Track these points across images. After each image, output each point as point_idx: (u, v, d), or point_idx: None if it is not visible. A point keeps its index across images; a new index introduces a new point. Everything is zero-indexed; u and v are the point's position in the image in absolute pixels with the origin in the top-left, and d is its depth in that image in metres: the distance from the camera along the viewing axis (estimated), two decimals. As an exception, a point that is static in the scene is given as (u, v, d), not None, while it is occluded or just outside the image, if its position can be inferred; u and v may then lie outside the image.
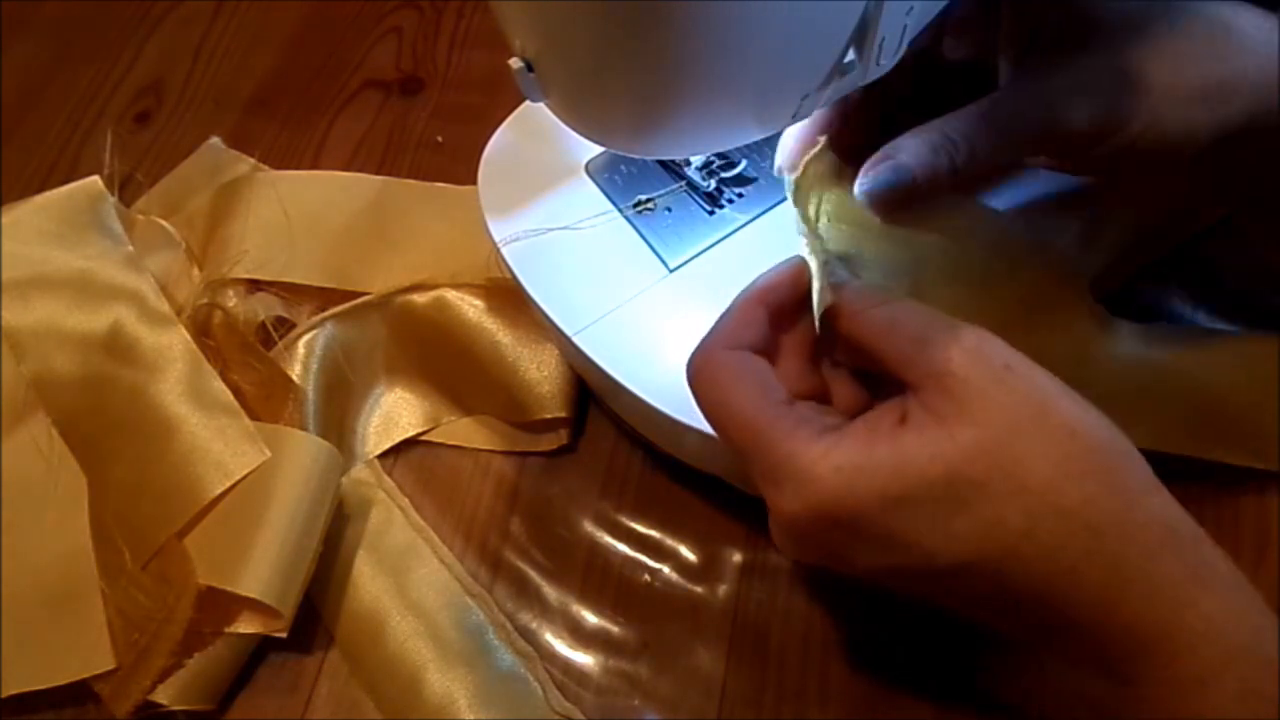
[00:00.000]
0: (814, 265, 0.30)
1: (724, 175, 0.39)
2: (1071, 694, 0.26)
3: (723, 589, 0.39)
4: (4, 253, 0.45)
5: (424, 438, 0.44)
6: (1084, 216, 0.37)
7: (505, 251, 0.38)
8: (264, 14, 0.61)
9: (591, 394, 0.44)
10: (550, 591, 0.40)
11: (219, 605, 0.37)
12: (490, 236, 0.38)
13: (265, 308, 0.45)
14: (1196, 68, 0.29)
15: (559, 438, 0.43)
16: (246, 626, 0.37)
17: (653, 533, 0.41)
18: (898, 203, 0.31)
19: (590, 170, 0.40)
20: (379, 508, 0.42)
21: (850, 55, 0.28)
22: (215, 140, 0.54)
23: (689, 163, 0.39)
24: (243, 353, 0.43)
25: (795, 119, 0.31)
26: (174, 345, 0.42)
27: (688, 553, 0.40)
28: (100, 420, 0.42)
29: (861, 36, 0.27)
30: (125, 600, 0.37)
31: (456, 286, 0.43)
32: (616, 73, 0.27)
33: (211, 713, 0.38)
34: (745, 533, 0.40)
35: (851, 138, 0.33)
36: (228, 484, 0.38)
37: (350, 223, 0.49)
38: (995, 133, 0.30)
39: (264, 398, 0.42)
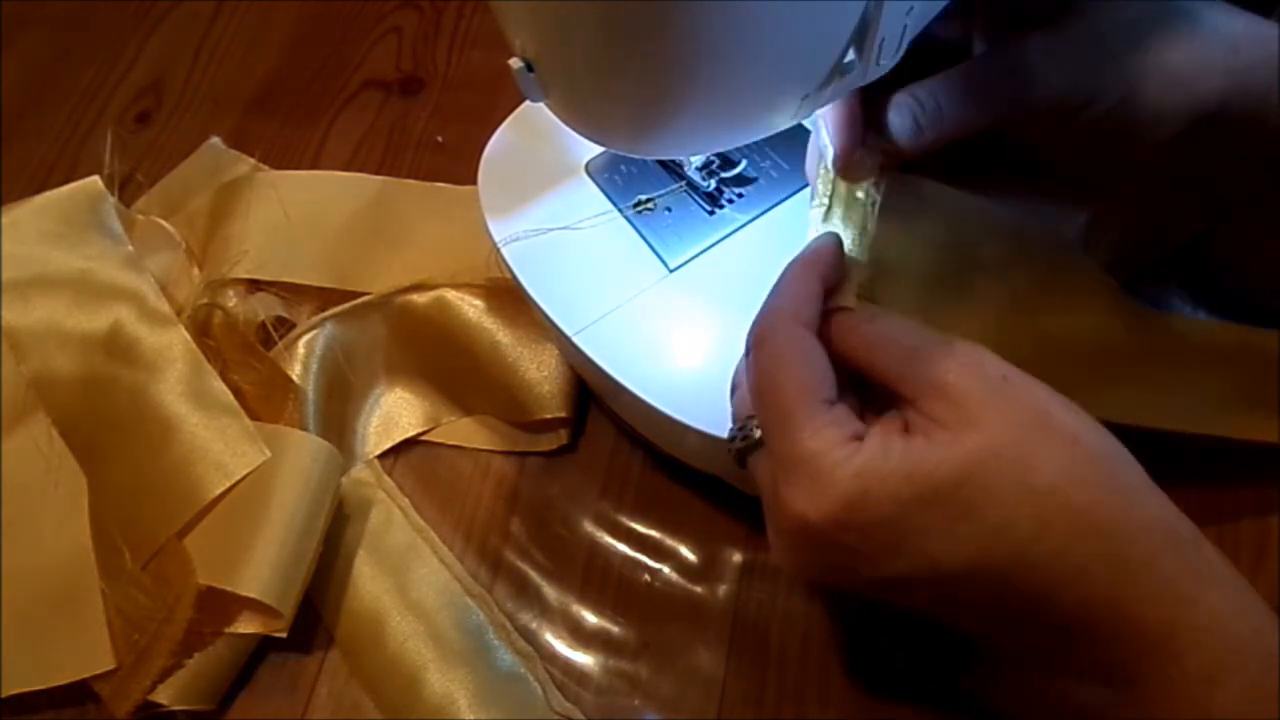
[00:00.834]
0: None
1: (724, 175, 0.39)
2: (1070, 708, 0.26)
3: (723, 589, 0.39)
4: (4, 253, 0.45)
5: (424, 438, 0.44)
6: (1087, 216, 0.37)
7: (505, 251, 0.38)
8: (264, 14, 0.61)
9: (591, 394, 0.44)
10: (550, 591, 0.40)
11: (219, 605, 0.37)
12: (490, 236, 0.38)
13: (265, 308, 0.45)
14: (1168, 48, 0.30)
15: (559, 438, 0.43)
16: (246, 626, 0.37)
17: (653, 533, 0.41)
18: (866, 167, 0.31)
19: (590, 170, 0.40)
20: (379, 508, 0.42)
21: (850, 55, 0.28)
22: (215, 140, 0.54)
23: (689, 163, 0.39)
24: (243, 353, 0.43)
25: (795, 119, 0.31)
26: (174, 345, 0.42)
27: (688, 553, 0.40)
28: (100, 420, 0.42)
29: (861, 36, 0.27)
30: (125, 600, 0.37)
31: (456, 286, 0.43)
32: (616, 73, 0.27)
33: (211, 713, 0.38)
34: (745, 533, 0.40)
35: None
36: (228, 484, 0.38)
37: (350, 223, 0.49)
38: (964, 95, 0.30)
39: (264, 398, 0.42)
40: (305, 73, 0.58)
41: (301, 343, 0.43)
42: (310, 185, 0.51)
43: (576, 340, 0.36)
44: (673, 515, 0.41)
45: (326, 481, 0.39)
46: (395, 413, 0.45)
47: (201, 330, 0.44)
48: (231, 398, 0.40)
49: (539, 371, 0.42)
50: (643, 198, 0.39)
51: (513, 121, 0.41)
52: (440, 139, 0.54)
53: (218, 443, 0.39)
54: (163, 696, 0.36)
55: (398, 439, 0.44)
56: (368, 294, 0.44)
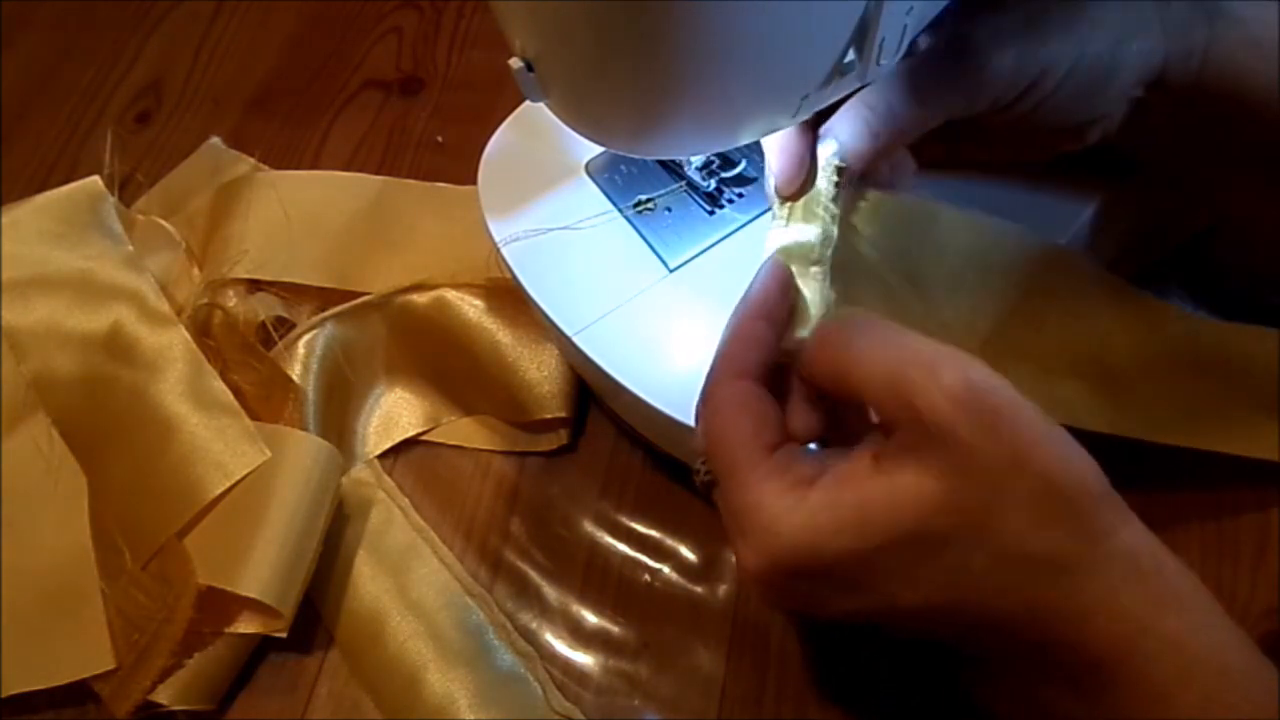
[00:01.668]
0: (810, 289, 0.30)
1: (724, 175, 0.39)
2: (1059, 714, 0.26)
3: (723, 589, 0.39)
4: (4, 253, 0.45)
5: (424, 438, 0.44)
6: (1086, 218, 0.37)
7: (505, 251, 0.38)
8: (264, 14, 0.61)
9: (591, 394, 0.44)
10: (550, 591, 0.40)
11: (219, 605, 0.37)
12: (490, 236, 0.38)
13: (265, 308, 0.45)
14: (1104, 10, 0.30)
15: (559, 438, 0.43)
16: (246, 626, 0.37)
17: (653, 533, 0.41)
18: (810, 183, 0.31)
19: (590, 170, 0.40)
20: (379, 508, 0.42)
21: (850, 55, 0.28)
22: (215, 140, 0.54)
23: (689, 163, 0.39)
24: (243, 353, 0.43)
25: (795, 119, 0.31)
26: (174, 345, 0.42)
27: (688, 553, 0.40)
28: (100, 420, 0.42)
29: (861, 36, 0.27)
30: (125, 600, 0.37)
31: (456, 286, 0.43)
32: (616, 73, 0.27)
33: (211, 713, 0.38)
34: (745, 533, 0.40)
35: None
36: (228, 484, 0.38)
37: (350, 223, 0.49)
38: (914, 90, 0.30)
39: (264, 398, 0.42)
40: (305, 73, 0.58)
41: (301, 343, 0.43)
42: (310, 185, 0.51)
43: (576, 340, 0.36)
44: (673, 515, 0.41)
45: (326, 481, 0.39)
46: (395, 413, 0.45)
47: (201, 330, 0.44)
48: (231, 398, 0.40)
49: (539, 371, 0.42)
50: (643, 198, 0.39)
51: (513, 121, 0.41)
52: (440, 139, 0.54)
53: (218, 443, 0.39)
54: (163, 696, 0.36)
55: (398, 439, 0.44)
56: (368, 294, 0.44)
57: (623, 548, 0.41)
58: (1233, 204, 0.38)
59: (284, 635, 0.37)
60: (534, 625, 0.39)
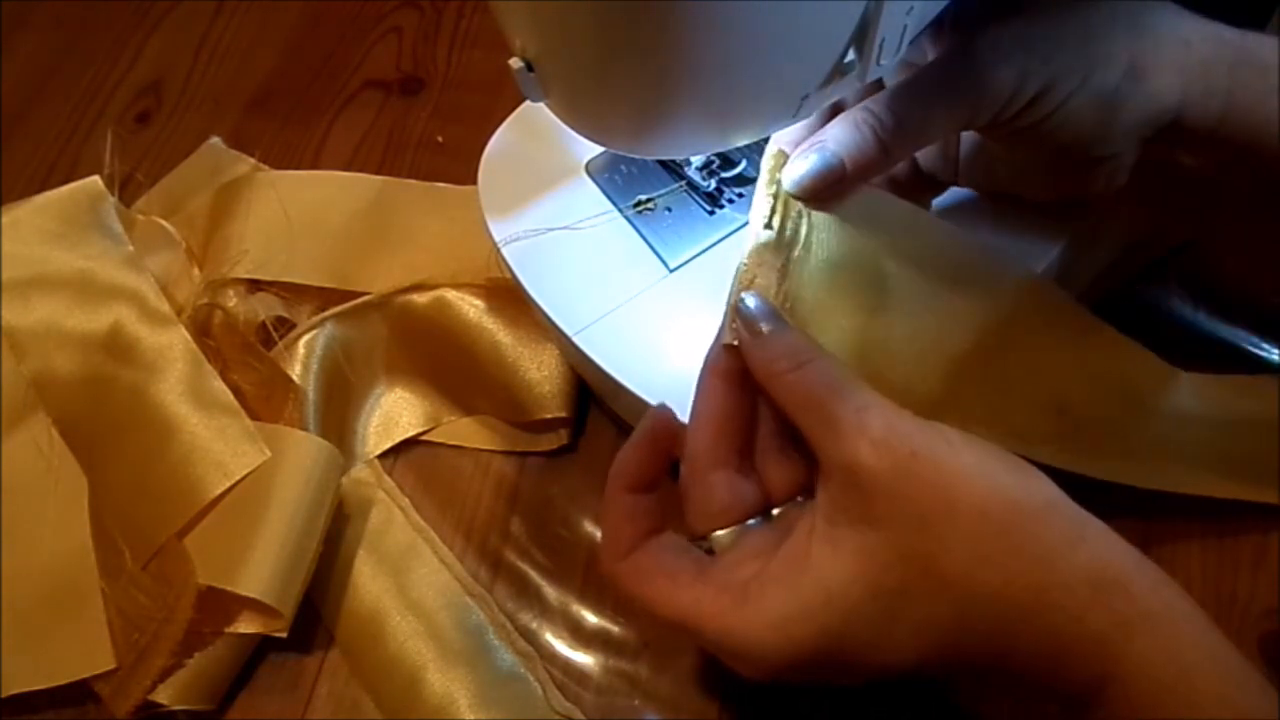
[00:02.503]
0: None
1: (724, 175, 0.39)
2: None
3: (723, 589, 0.39)
4: (4, 253, 0.45)
5: (424, 438, 0.44)
6: (1063, 243, 0.37)
7: (505, 251, 0.38)
8: (264, 14, 0.61)
9: (591, 394, 0.44)
10: (550, 591, 0.40)
11: (219, 605, 0.37)
12: (490, 236, 0.38)
13: (265, 308, 0.45)
14: (1120, 40, 0.30)
15: (559, 438, 0.43)
16: (246, 626, 0.37)
17: (653, 533, 0.41)
18: (829, 189, 0.31)
19: (590, 170, 0.40)
20: (379, 508, 0.42)
21: (850, 55, 0.28)
22: (215, 140, 0.54)
23: (689, 163, 0.39)
24: (243, 353, 0.43)
25: (796, 119, 0.31)
26: (174, 345, 0.42)
27: (688, 553, 0.40)
28: (100, 420, 0.42)
29: (861, 36, 0.27)
30: (125, 600, 0.37)
31: (456, 286, 0.43)
32: (616, 73, 0.27)
33: (211, 713, 0.38)
34: (745, 533, 0.40)
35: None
36: (228, 484, 0.38)
37: (350, 223, 0.49)
38: (920, 100, 0.30)
39: (264, 398, 0.42)
40: (305, 73, 0.58)
41: (301, 343, 0.43)
42: (310, 185, 0.51)
43: (576, 340, 0.36)
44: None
45: (326, 481, 0.39)
46: (395, 413, 0.45)
47: (201, 330, 0.44)
48: (231, 398, 0.40)
49: (539, 371, 0.42)
50: (643, 198, 0.39)
51: (513, 121, 0.41)
52: (440, 139, 0.54)
53: (218, 443, 0.39)
54: (163, 696, 0.36)
55: (398, 439, 0.44)
56: (368, 294, 0.44)
57: (623, 548, 0.41)
58: (1225, 232, 0.38)
59: (284, 635, 0.37)
60: (534, 625, 0.39)
